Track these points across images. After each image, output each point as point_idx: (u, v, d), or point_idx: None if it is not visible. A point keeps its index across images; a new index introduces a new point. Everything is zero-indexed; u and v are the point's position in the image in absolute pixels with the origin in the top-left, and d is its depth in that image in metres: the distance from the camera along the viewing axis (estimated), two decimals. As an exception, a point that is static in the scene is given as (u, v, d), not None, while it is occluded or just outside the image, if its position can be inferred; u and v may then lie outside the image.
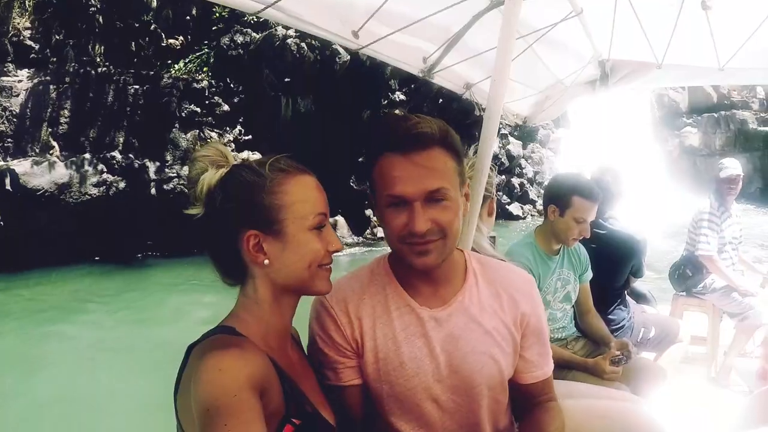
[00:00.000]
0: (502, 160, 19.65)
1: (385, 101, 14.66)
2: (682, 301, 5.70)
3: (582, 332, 3.83)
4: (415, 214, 1.51)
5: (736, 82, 5.05)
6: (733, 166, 5.47)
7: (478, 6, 3.27)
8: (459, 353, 1.69)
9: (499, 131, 17.52)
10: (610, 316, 4.15)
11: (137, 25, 11.55)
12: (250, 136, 12.59)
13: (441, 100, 16.32)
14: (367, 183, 1.68)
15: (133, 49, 11.60)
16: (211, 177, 1.44)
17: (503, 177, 19.68)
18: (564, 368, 3.27)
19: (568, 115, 28.92)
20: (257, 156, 12.22)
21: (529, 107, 5.25)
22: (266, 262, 1.44)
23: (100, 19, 11.17)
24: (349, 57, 13.02)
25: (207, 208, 1.44)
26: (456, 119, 16.44)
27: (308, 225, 1.44)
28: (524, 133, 21.35)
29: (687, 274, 5.53)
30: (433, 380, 1.68)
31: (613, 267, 4.18)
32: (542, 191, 21.80)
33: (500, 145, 19.59)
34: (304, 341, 1.74)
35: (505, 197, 19.75)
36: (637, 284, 4.96)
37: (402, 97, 15.19)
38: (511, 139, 20.41)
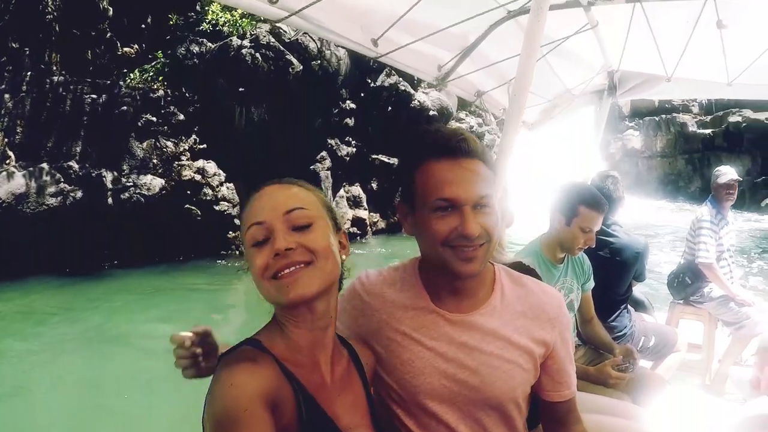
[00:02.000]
0: (450, 164, 20.55)
1: (336, 110, 15.48)
2: (679, 309, 5.86)
3: (583, 340, 3.98)
4: (467, 217, 1.58)
5: (743, 97, 5.35)
6: (731, 172, 5.66)
7: (495, 16, 3.50)
8: (471, 364, 1.74)
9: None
10: (612, 323, 4.33)
11: (93, 33, 12.01)
12: (205, 145, 13.18)
13: (390, 108, 17.28)
14: (400, 191, 1.76)
15: (89, 57, 12.06)
16: None
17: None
18: None
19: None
20: (212, 164, 12.99)
21: (537, 115, 5.39)
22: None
23: (57, 27, 11.53)
24: (302, 67, 13.80)
25: None
26: (407, 123, 17.42)
27: (247, 241, 1.49)
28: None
29: (687, 281, 5.66)
30: (440, 386, 1.74)
31: (619, 274, 4.37)
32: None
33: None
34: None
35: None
36: (635, 292, 5.04)
37: (352, 105, 16.03)
38: (438, 125, 21.37)
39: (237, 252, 13.47)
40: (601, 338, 3.84)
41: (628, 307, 4.61)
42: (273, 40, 13.67)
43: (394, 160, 17.38)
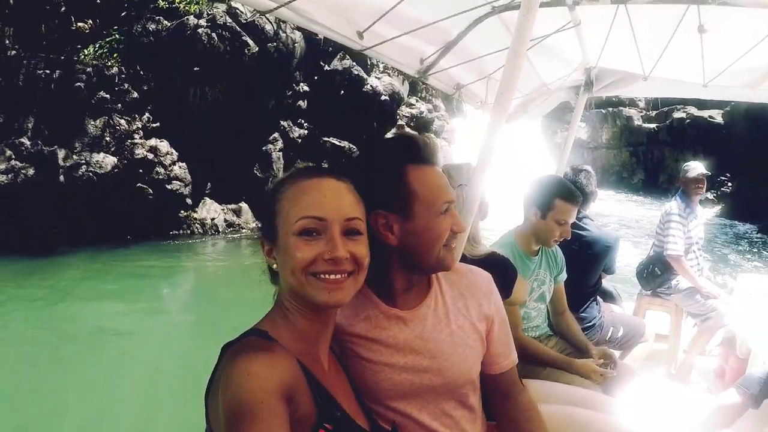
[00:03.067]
0: (399, 149, 21.07)
1: (290, 92, 15.85)
2: (647, 300, 5.99)
3: (554, 332, 4.01)
4: (456, 215, 1.82)
5: (717, 98, 5.54)
6: (699, 167, 5.79)
7: (479, 11, 3.53)
8: (428, 353, 1.84)
9: (395, 122, 18.97)
10: (582, 314, 4.39)
11: (48, 6, 12.12)
12: (158, 124, 13.42)
13: (342, 91, 17.71)
14: (387, 190, 1.77)
15: (43, 31, 12.17)
16: None
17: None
18: (538, 365, 3.46)
19: (463, 105, 30.91)
20: (165, 143, 13.24)
21: (513, 108, 5.28)
22: (275, 266, 1.59)
23: (11, 0, 11.72)
24: (258, 48, 14.12)
25: None
26: (360, 108, 17.89)
27: (292, 230, 1.50)
28: (420, 123, 22.96)
29: (656, 272, 5.80)
30: (402, 380, 1.82)
31: (589, 266, 4.47)
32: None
33: (396, 134, 21.00)
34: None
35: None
36: (604, 283, 5.11)
37: (306, 88, 16.42)
38: (407, 129, 21.80)
39: (189, 231, 13.77)
40: (574, 335, 3.90)
41: (597, 298, 4.71)
42: (230, 20, 13.94)
43: (345, 143, 17.83)
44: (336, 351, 1.81)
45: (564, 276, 3.90)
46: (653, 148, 32.05)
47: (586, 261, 4.40)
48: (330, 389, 1.55)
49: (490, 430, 2.09)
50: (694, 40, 3.69)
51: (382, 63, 19.79)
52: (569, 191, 3.51)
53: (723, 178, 28.79)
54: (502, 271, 2.82)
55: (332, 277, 1.50)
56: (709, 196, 29.34)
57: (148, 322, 9.55)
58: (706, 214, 28.55)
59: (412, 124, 22.29)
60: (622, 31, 3.81)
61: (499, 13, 3.58)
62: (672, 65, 4.41)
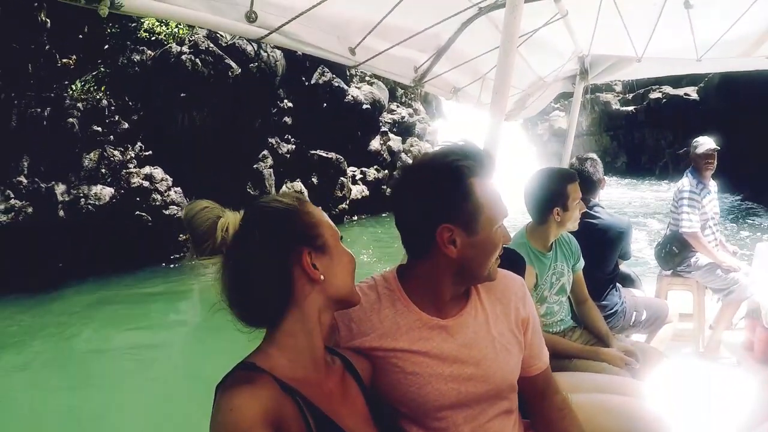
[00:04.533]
0: (384, 155, 21.48)
1: (275, 109, 16.20)
2: (667, 281, 5.97)
3: (578, 322, 4.01)
4: (505, 229, 1.83)
5: (713, 70, 5.24)
6: (708, 142, 5.77)
7: (467, 13, 3.57)
8: (472, 361, 1.84)
9: (378, 129, 19.32)
10: (603, 302, 4.37)
11: (33, 46, 12.28)
12: (150, 152, 13.66)
13: (325, 104, 18.07)
14: (456, 203, 1.75)
15: (30, 71, 12.36)
16: (233, 219, 1.56)
17: (386, 171, 21.62)
18: (565, 359, 3.50)
19: (443, 107, 31.30)
20: (159, 170, 13.51)
21: (511, 105, 5.34)
22: (322, 277, 1.57)
23: None
24: (240, 70, 14.46)
25: (239, 250, 1.53)
26: (343, 119, 18.23)
27: (336, 236, 1.63)
28: (402, 128, 23.32)
29: (674, 251, 5.81)
30: (447, 389, 1.81)
31: (605, 254, 4.45)
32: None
33: (381, 142, 21.40)
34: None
35: (389, 190, 21.82)
36: (622, 267, 5.11)
37: (290, 104, 16.78)
38: (391, 135, 22.24)
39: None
40: (595, 324, 3.89)
41: (617, 285, 4.69)
42: (211, 45, 14.27)
43: (332, 155, 18.19)
44: (379, 369, 1.83)
45: (582, 264, 3.91)
46: (633, 131, 32.62)
47: (601, 249, 4.39)
48: (331, 411, 1.55)
49: (525, 428, 2.10)
50: (683, 17, 3.73)
51: (361, 73, 20.19)
52: (569, 173, 3.64)
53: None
54: (512, 262, 2.74)
55: None
56: (693, 171, 29.83)
57: (160, 343, 9.83)
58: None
59: (394, 129, 22.61)
60: (610, 16, 3.83)
61: (487, 13, 3.60)
62: (664, 44, 4.42)
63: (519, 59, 4.16)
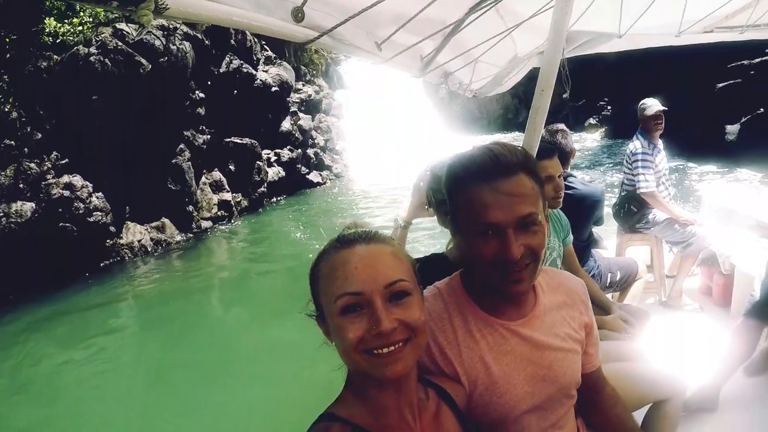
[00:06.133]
0: (296, 135, 21.64)
1: (188, 102, 15.99)
2: (627, 238, 6.16)
3: None
4: (509, 240, 1.59)
5: (686, 43, 5.10)
6: (656, 104, 5.96)
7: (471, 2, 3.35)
8: (545, 363, 1.81)
9: (288, 109, 19.40)
10: (583, 269, 4.37)
11: None
12: (67, 160, 13.30)
13: (236, 91, 17.96)
14: (448, 211, 1.77)
15: None
16: None
17: (299, 151, 21.75)
18: None
19: (344, 78, 31.52)
20: (78, 178, 13.21)
21: (485, 82, 5.18)
22: (334, 343, 1.51)
23: None
24: (151, 65, 14.17)
25: None
26: (254, 103, 18.17)
27: (335, 311, 1.43)
28: (310, 105, 23.45)
29: (632, 210, 6.01)
30: (524, 393, 1.77)
31: (582, 222, 4.53)
32: (336, 157, 24.67)
33: (292, 122, 21.53)
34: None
35: (304, 168, 22.02)
36: None
37: (201, 95, 16.59)
38: (300, 114, 22.36)
39: (119, 258, 13.82)
40: (595, 296, 3.81)
41: (591, 249, 4.85)
42: (119, 43, 13.91)
43: (246, 140, 18.15)
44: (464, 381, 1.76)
45: (571, 237, 3.96)
46: (532, 87, 33.57)
47: (578, 217, 4.38)
48: None
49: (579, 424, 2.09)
50: None
51: (267, 55, 20.12)
52: (545, 149, 3.44)
53: (602, 103, 30.64)
54: None
55: (386, 350, 1.41)
56: (592, 121, 31.21)
57: (104, 351, 9.72)
58: (595, 137, 30.45)
59: (302, 108, 22.73)
60: None
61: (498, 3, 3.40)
62: (651, 21, 4.32)
63: (506, 39, 4.09)
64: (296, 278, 11.77)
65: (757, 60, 22.13)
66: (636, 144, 5.98)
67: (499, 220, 1.59)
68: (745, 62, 22.38)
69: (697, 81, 22.83)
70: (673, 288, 5.97)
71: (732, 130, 22.31)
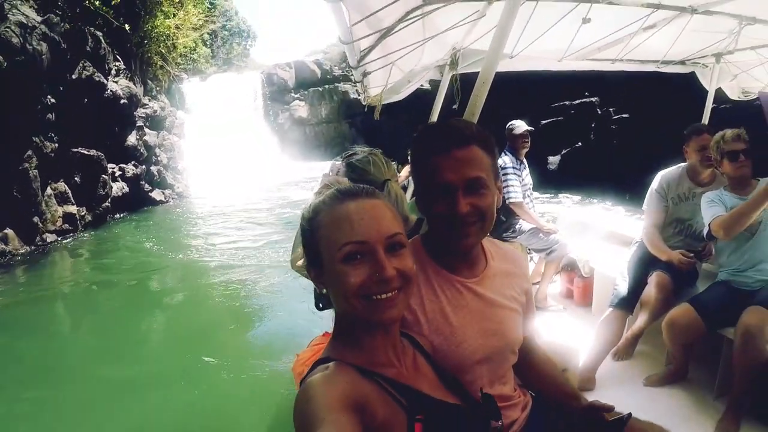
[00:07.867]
0: (141, 150, 21.21)
1: (39, 106, 15.19)
2: None
3: None
4: (457, 198, 1.81)
5: (567, 68, 5.64)
6: (523, 125, 6.48)
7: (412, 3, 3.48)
8: (496, 318, 1.99)
9: (135, 123, 19.06)
10: None
11: None
12: None
13: (86, 99, 17.29)
14: (416, 185, 1.98)
15: None
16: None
17: (143, 167, 21.23)
18: None
19: (186, 99, 31.22)
20: None
21: (390, 86, 5.29)
22: (324, 290, 1.66)
23: None
24: (6, 64, 13.31)
25: None
26: (103, 114, 17.65)
27: (338, 257, 1.54)
28: (155, 122, 22.94)
29: (501, 219, 6.32)
30: (477, 345, 1.92)
31: None
32: (178, 176, 24.22)
33: (137, 137, 21.09)
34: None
35: (147, 185, 21.55)
36: None
37: (53, 100, 15.78)
38: (146, 130, 21.77)
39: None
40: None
41: None
42: (-29, 38, 13.02)
43: (93, 152, 17.51)
44: (427, 333, 1.92)
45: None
46: (369, 117, 34.62)
47: None
48: (411, 383, 1.63)
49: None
50: (574, 26, 4.06)
51: (116, 65, 19.66)
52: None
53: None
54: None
55: (384, 296, 1.54)
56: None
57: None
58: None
59: (147, 124, 22.24)
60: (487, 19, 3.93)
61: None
62: (543, 45, 4.63)
63: (418, 50, 4.30)
64: (142, 291, 11.99)
65: (577, 101, 24.82)
66: (505, 159, 6.40)
67: (450, 180, 1.82)
68: (567, 102, 24.95)
69: (526, 117, 24.93)
70: (539, 291, 6.39)
71: (554, 160, 25.18)
